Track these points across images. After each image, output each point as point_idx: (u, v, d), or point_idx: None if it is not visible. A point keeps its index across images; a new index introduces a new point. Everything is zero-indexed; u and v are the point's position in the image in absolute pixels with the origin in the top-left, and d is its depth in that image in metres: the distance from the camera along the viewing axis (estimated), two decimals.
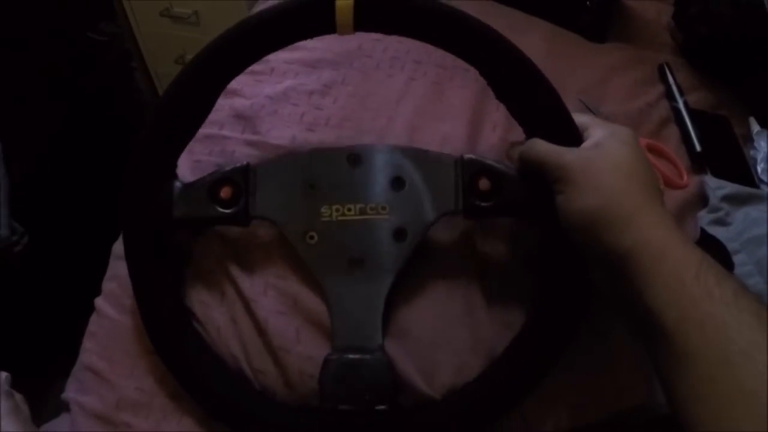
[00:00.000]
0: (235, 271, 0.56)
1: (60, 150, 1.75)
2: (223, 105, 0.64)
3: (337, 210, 0.51)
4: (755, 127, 0.79)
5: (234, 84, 0.69)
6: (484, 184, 0.50)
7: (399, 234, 0.51)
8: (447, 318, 0.55)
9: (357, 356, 0.48)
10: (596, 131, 0.47)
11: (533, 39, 0.82)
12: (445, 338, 0.54)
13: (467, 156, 0.51)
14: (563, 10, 0.87)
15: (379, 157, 0.53)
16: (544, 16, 0.88)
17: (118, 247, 0.62)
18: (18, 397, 0.51)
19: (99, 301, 0.61)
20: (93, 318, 0.61)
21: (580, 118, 0.49)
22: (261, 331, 0.54)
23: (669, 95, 0.78)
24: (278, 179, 0.53)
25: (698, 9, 0.83)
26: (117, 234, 0.63)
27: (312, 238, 0.51)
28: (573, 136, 0.48)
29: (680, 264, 0.39)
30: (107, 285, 0.62)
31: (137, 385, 0.55)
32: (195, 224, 0.55)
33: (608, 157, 0.44)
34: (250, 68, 0.70)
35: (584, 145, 0.47)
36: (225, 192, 0.51)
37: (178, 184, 0.52)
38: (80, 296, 0.84)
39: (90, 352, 0.58)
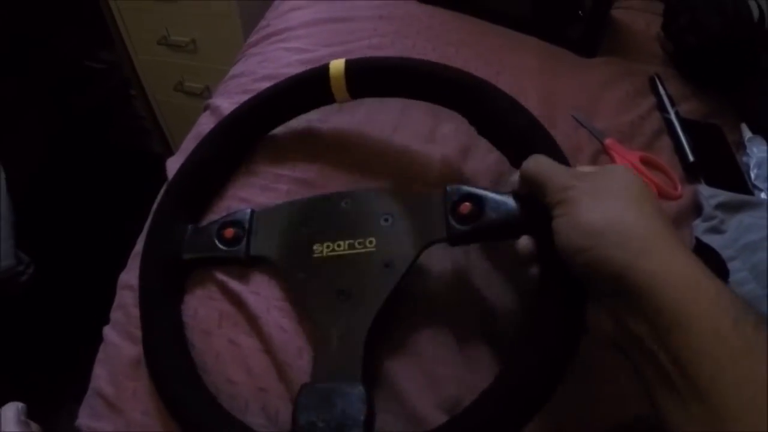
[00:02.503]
0: (238, 292, 0.58)
1: (61, 178, 1.77)
2: None
3: (328, 246, 0.53)
4: (747, 133, 0.80)
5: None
6: (465, 207, 0.50)
7: (386, 265, 0.51)
8: (436, 358, 0.54)
9: (333, 384, 0.47)
10: (590, 168, 0.45)
11: (525, 57, 0.84)
12: (433, 379, 0.54)
13: (450, 186, 0.52)
14: (555, 24, 0.88)
15: (370, 198, 0.56)
16: (536, 33, 0.89)
17: (125, 277, 0.63)
18: (34, 426, 0.52)
19: (107, 330, 0.62)
20: (102, 346, 0.62)
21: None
22: (263, 349, 0.55)
23: (660, 107, 0.80)
24: (277, 222, 0.57)
25: (687, 19, 0.85)
26: (120, 260, 0.64)
27: (303, 273, 0.53)
28: (560, 156, 0.49)
29: (715, 306, 0.33)
30: (114, 314, 0.62)
31: (143, 408, 0.55)
32: (201, 262, 0.59)
33: (616, 178, 0.41)
34: (248, 96, 0.73)
35: (586, 169, 0.44)
36: (228, 233, 0.57)
37: (191, 227, 0.59)
38: (84, 321, 0.85)
39: (99, 378, 0.59)
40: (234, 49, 1.00)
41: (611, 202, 0.39)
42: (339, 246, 0.53)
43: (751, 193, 0.70)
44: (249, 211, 0.58)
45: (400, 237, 0.52)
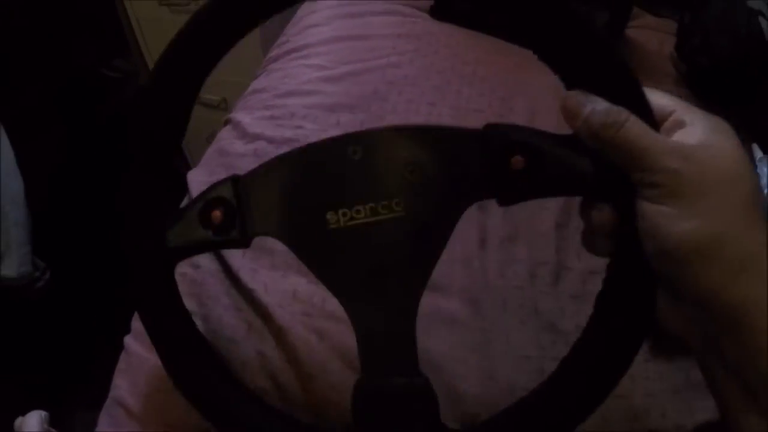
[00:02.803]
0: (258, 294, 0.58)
1: (77, 184, 1.79)
2: (246, 150, 0.67)
3: (344, 214, 0.42)
4: (758, 153, 0.81)
5: (256, 128, 0.72)
6: (517, 162, 0.40)
7: (421, 232, 0.43)
8: (466, 347, 0.56)
9: (398, 381, 0.42)
10: (693, 119, 0.35)
11: (541, 75, 0.83)
12: (465, 368, 0.55)
13: (493, 125, 0.41)
14: None
15: (386, 142, 0.43)
16: None
17: None
18: None
19: (128, 339, 0.62)
20: (123, 356, 0.63)
21: (659, 99, 0.37)
22: (291, 359, 0.56)
23: None
24: (272, 188, 0.45)
25: (700, 40, 0.86)
26: None
27: (321, 251, 0.44)
28: (646, 109, 0.37)
29: None
30: (136, 324, 0.63)
31: (167, 421, 0.56)
32: (193, 253, 0.49)
33: (724, 166, 0.33)
34: (270, 112, 0.74)
35: (684, 138, 0.34)
36: (216, 216, 0.44)
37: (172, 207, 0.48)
38: (100, 330, 0.86)
39: (120, 388, 0.59)
40: (252, 62, 1.01)
41: (720, 205, 0.33)
42: (359, 213, 0.42)
43: None
44: (230, 179, 0.45)
45: (433, 194, 0.42)
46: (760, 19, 0.83)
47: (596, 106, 0.36)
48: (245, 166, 0.68)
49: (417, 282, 0.43)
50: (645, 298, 0.38)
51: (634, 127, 0.35)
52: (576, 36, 0.38)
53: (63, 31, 1.66)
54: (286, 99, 0.76)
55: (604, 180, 0.38)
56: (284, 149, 0.68)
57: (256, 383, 0.56)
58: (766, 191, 0.75)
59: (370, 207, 0.42)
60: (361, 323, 0.43)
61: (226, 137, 0.75)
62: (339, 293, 0.44)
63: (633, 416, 0.56)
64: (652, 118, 0.36)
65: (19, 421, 0.50)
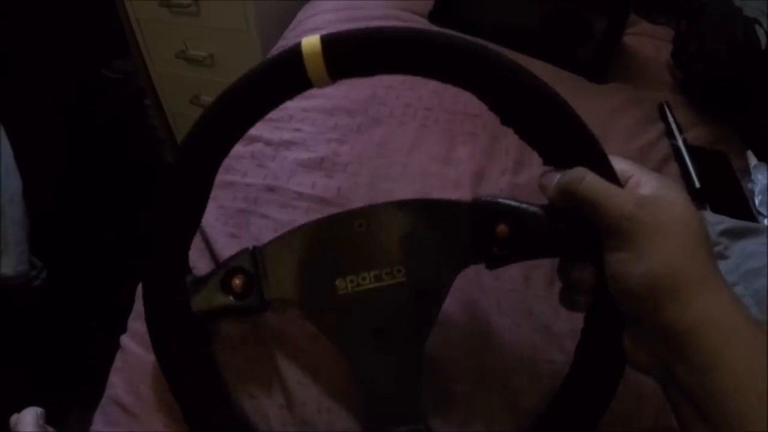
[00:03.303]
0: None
1: (76, 184, 1.79)
2: (244, 152, 0.67)
3: (352, 281, 0.48)
4: (753, 160, 0.81)
5: (254, 130, 0.72)
6: (502, 230, 0.45)
7: (420, 295, 0.47)
8: (460, 348, 0.56)
9: (395, 428, 0.46)
10: (649, 178, 0.40)
11: None
12: (458, 369, 0.56)
13: (480, 199, 0.47)
14: (565, 51, 0.90)
15: (386, 216, 0.49)
16: (546, 57, 0.91)
17: None
18: (51, 431, 0.52)
19: (124, 339, 0.62)
20: (119, 355, 0.62)
21: (619, 164, 0.42)
22: (282, 368, 0.56)
23: (669, 133, 0.81)
24: (287, 258, 0.50)
25: (696, 47, 0.86)
26: (131, 268, 0.65)
27: (330, 314, 0.49)
28: (609, 171, 0.42)
29: (751, 350, 0.35)
30: (132, 324, 0.63)
31: (165, 421, 0.55)
32: (214, 317, 0.54)
33: (676, 213, 0.38)
34: (269, 116, 0.74)
35: (640, 191, 0.39)
36: (236, 284, 0.50)
37: (190, 278, 0.52)
38: (96, 328, 0.86)
39: (116, 387, 0.59)
40: (251, 65, 1.02)
41: (672, 245, 0.37)
42: (364, 279, 0.48)
43: (755, 220, 0.72)
44: (249, 251, 0.51)
45: (429, 261, 0.47)
46: (756, 27, 0.84)
47: (564, 178, 0.42)
48: (243, 168, 0.68)
49: (418, 338, 0.47)
50: (617, 341, 0.42)
51: (594, 180, 0.40)
52: (553, 121, 0.43)
53: (63, 31, 1.66)
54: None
55: (578, 239, 0.43)
56: (282, 151, 0.68)
57: None
58: (760, 197, 0.76)
59: (374, 274, 0.47)
60: (367, 378, 0.47)
61: None
62: (347, 352, 0.48)
63: (655, 416, 0.55)
64: (614, 176, 0.41)
65: (14, 418, 0.50)
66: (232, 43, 1.42)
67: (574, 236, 0.43)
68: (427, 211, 0.48)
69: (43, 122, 1.70)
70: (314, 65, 0.45)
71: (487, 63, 0.44)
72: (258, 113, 0.49)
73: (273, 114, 0.70)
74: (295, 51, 0.45)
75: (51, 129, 1.75)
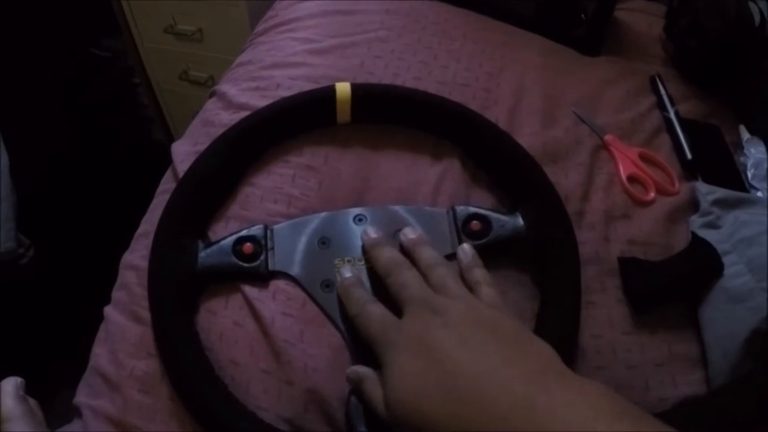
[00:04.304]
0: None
1: (65, 162, 1.78)
2: (232, 119, 0.66)
3: (349, 261, 0.57)
4: (745, 134, 0.81)
5: (241, 99, 0.71)
6: (475, 225, 0.59)
7: None
8: None
9: None
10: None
11: (529, 54, 0.85)
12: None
13: (457, 206, 0.60)
14: (559, 25, 0.89)
15: (381, 216, 0.60)
16: (540, 31, 0.91)
17: (128, 257, 0.63)
18: (32, 401, 0.51)
19: (108, 309, 0.62)
20: (102, 326, 0.62)
21: None
22: (265, 331, 0.55)
23: (661, 105, 0.81)
24: (293, 238, 0.59)
25: (688, 22, 0.86)
26: (120, 246, 0.64)
27: (328, 289, 0.56)
28: (556, 200, 0.60)
29: None
30: (117, 294, 0.62)
31: (140, 387, 0.55)
32: (218, 277, 0.57)
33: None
34: (256, 83, 0.73)
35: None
36: (247, 248, 0.57)
37: (204, 242, 0.58)
38: (84, 306, 0.86)
39: (99, 356, 0.58)
40: (240, 39, 1.01)
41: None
42: (360, 261, 0.57)
43: (747, 192, 0.71)
44: (263, 227, 0.59)
45: None
46: (751, 3, 0.83)
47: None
48: None
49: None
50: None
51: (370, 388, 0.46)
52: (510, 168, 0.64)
53: (52, 10, 1.64)
54: (272, 71, 0.75)
55: (535, 233, 0.58)
56: None
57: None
58: (752, 171, 0.75)
59: (368, 258, 0.55)
60: (359, 350, 0.52)
61: (211, 108, 0.75)
62: (340, 319, 0.54)
63: (614, 388, 0.55)
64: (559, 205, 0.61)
65: None
66: (220, 18, 1.41)
67: (533, 231, 0.58)
68: (414, 213, 0.60)
69: (32, 101, 1.68)
70: (343, 108, 0.65)
71: (469, 126, 0.66)
72: (285, 134, 0.66)
73: (260, 82, 0.70)
74: (329, 94, 0.64)
75: (41, 108, 1.74)
